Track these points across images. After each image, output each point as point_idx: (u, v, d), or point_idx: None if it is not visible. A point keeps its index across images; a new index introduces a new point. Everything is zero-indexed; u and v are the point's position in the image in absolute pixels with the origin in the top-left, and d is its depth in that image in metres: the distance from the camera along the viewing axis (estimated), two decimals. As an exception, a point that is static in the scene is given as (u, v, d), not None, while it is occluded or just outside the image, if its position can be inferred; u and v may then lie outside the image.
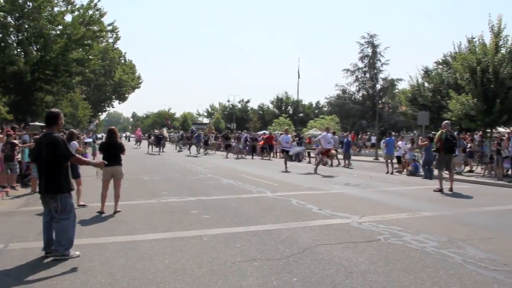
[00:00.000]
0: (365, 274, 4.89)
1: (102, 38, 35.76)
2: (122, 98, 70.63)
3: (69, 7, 30.02)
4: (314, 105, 70.17)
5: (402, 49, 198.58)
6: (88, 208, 8.91)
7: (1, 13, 27.33)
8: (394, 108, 51.59)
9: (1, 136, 11.96)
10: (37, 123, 26.65)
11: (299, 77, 72.71)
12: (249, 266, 5.16)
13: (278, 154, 30.64)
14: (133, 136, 73.87)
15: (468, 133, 22.51)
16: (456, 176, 14.31)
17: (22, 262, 5.37)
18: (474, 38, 20.33)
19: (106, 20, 33.10)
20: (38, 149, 5.74)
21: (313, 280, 4.70)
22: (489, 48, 18.37)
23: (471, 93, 18.50)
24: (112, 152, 8.77)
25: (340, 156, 23.51)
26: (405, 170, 18.94)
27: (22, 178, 13.14)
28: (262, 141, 30.93)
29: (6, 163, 11.77)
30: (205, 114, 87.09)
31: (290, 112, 65.72)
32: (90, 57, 32.70)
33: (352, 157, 24.93)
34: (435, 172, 13.55)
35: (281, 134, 33.69)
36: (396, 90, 53.77)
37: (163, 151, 34.08)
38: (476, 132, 21.65)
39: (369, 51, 54.41)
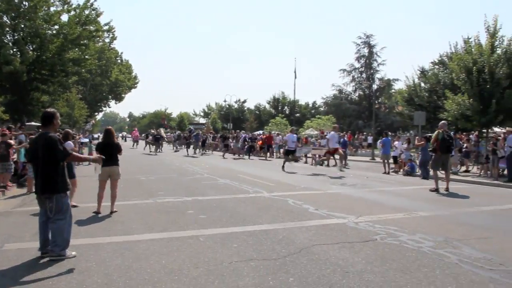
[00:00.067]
0: (362, 274, 4.89)
1: (98, 38, 35.70)
2: (118, 98, 70.56)
3: (65, 6, 29.98)
4: (310, 105, 70.28)
5: (399, 49, 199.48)
6: (84, 208, 8.88)
7: (-3, 12, 27.28)
8: (391, 108, 51.66)
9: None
10: (33, 123, 26.60)
11: (295, 77, 72.54)
12: (246, 266, 5.16)
13: (275, 154, 30.61)
14: (130, 136, 73.72)
15: (464, 133, 22.58)
16: (452, 176, 14.36)
17: (18, 262, 5.34)
18: (470, 38, 20.39)
19: (102, 20, 33.31)
20: (34, 149, 5.72)
21: (309, 280, 4.70)
22: (485, 48, 18.43)
23: (467, 93, 18.55)
24: (109, 152, 8.73)
25: (337, 156, 23.49)
26: (401, 170, 18.99)
27: (18, 178, 13.09)
28: (261, 141, 30.72)
29: (1, 163, 11.73)
30: (202, 114, 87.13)
31: (287, 112, 65.81)
32: (86, 57, 32.69)
33: (349, 157, 24.99)
34: (432, 172, 13.59)
35: (278, 134, 33.78)
36: (393, 90, 53.82)
37: (161, 151, 33.96)
38: (472, 132, 21.72)
39: (365, 51, 54.55)
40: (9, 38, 29.03)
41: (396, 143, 20.66)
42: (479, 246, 6.15)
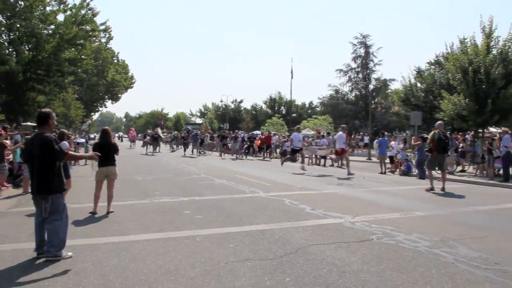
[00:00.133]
0: (358, 274, 4.90)
1: (94, 38, 35.54)
2: (115, 98, 70.33)
3: (61, 6, 29.81)
4: (307, 105, 70.35)
5: (395, 49, 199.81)
6: (80, 208, 8.85)
7: (-8, 12, 27.15)
8: (387, 108, 51.80)
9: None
10: (29, 123, 26.51)
11: (292, 77, 72.87)
12: (242, 266, 5.16)
13: (271, 153, 30.46)
14: (126, 136, 73.60)
15: (460, 133, 22.64)
16: (448, 176, 14.41)
17: (14, 263, 5.33)
18: (466, 38, 20.48)
19: (98, 19, 32.97)
20: (29, 149, 5.70)
21: (306, 280, 4.70)
22: (481, 48, 18.51)
23: (463, 93, 18.63)
24: (106, 152, 8.72)
25: (333, 156, 23.52)
26: (397, 170, 19.03)
27: (14, 179, 13.04)
28: (259, 142, 30.36)
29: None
30: (198, 114, 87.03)
31: (283, 112, 65.82)
32: (82, 56, 32.53)
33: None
34: (427, 171, 13.63)
35: (274, 134, 33.72)
36: (389, 90, 54.01)
37: (158, 151, 33.82)
38: (468, 132, 21.79)
39: (362, 51, 54.65)
40: (4, 37, 28.87)
41: (392, 143, 20.71)
42: (474, 245, 6.17)
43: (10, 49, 28.37)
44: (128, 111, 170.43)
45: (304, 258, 5.49)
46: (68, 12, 29.69)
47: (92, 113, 74.93)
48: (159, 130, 38.31)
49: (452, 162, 18.30)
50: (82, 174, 15.31)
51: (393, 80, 52.87)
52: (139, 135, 63.59)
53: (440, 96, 21.70)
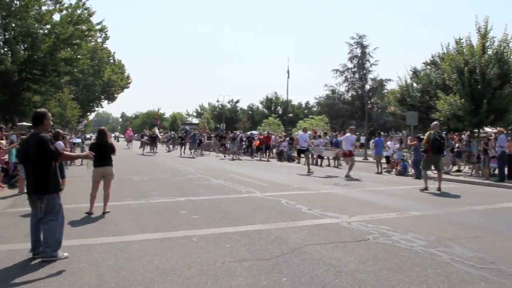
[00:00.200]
0: (355, 274, 4.91)
1: (90, 38, 35.44)
2: (111, 98, 70.25)
3: (57, 6, 29.75)
4: (303, 105, 70.39)
5: (391, 49, 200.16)
6: (76, 209, 8.83)
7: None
8: (383, 108, 51.89)
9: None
10: (24, 123, 26.39)
11: (288, 77, 72.84)
12: (239, 266, 5.16)
13: (270, 154, 30.30)
14: (122, 136, 73.36)
15: (456, 133, 22.72)
16: (444, 176, 14.45)
17: (9, 264, 5.30)
18: (461, 39, 20.51)
19: (94, 19, 32.86)
20: (25, 149, 5.68)
21: (302, 280, 4.71)
22: (476, 49, 18.56)
23: (459, 94, 18.68)
24: (102, 153, 8.71)
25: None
26: (394, 170, 19.08)
27: (10, 179, 13.00)
28: (258, 142, 29.88)
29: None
30: (195, 114, 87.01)
31: (280, 112, 65.84)
32: (78, 56, 32.46)
33: (341, 158, 25.00)
34: (422, 171, 13.66)
35: (271, 134, 33.66)
36: (385, 91, 54.08)
37: (156, 152, 33.62)
38: (464, 132, 21.87)
39: (358, 51, 54.77)
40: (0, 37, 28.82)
41: (388, 143, 20.78)
42: (470, 245, 6.19)
43: (5, 49, 28.29)
44: (124, 111, 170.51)
45: (300, 258, 5.49)
46: (64, 12, 29.63)
47: (88, 113, 74.89)
48: (157, 130, 38.04)
49: (448, 162, 18.37)
50: (78, 174, 15.28)
51: (389, 80, 52.93)
52: (136, 135, 63.38)
53: (436, 96, 21.73)
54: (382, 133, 24.96)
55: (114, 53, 67.62)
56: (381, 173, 18.59)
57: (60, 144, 9.30)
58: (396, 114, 33.97)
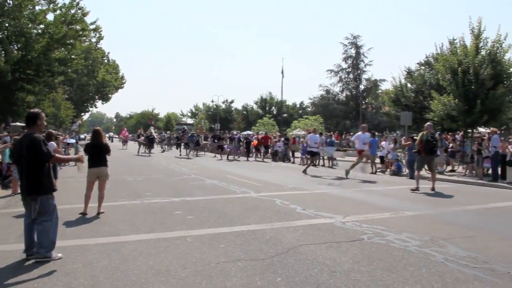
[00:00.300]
0: (349, 274, 4.92)
1: (84, 38, 35.27)
2: (105, 98, 70.02)
3: (51, 6, 29.58)
4: (298, 106, 70.51)
5: (385, 50, 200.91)
6: (71, 209, 8.79)
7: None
8: (377, 109, 52.12)
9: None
10: (18, 124, 26.24)
11: (283, 77, 72.88)
12: (233, 267, 5.15)
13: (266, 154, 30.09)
14: (117, 136, 73.12)
15: (450, 133, 22.82)
16: (438, 176, 14.52)
17: (3, 265, 5.27)
18: (455, 39, 20.63)
19: (88, 19, 32.70)
20: (18, 149, 5.65)
21: (297, 279, 4.71)
22: (470, 49, 18.66)
23: (453, 94, 18.76)
24: (97, 153, 8.68)
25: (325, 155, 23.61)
26: (388, 170, 19.14)
27: (3, 180, 12.92)
28: (256, 142, 29.42)
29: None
30: (189, 114, 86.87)
31: (274, 113, 65.92)
32: (72, 56, 32.33)
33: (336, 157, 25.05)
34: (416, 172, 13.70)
35: (266, 134, 33.63)
36: (379, 91, 54.33)
37: (152, 152, 33.40)
38: (458, 132, 21.97)
39: (352, 52, 55.05)
40: (-8, 37, 28.62)
41: (383, 143, 20.83)
42: (464, 244, 6.23)
43: (-2, 49, 28.12)
44: (118, 111, 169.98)
45: (295, 258, 5.50)
46: (58, 12, 29.46)
47: (82, 114, 74.59)
48: (153, 131, 37.56)
49: (442, 162, 18.46)
50: (72, 175, 15.20)
51: (384, 80, 53.27)
52: (131, 135, 63.16)
53: (430, 97, 21.83)
54: (376, 133, 25.00)
55: (108, 53, 67.54)
56: (375, 173, 18.64)
57: (52, 144, 9.26)
58: (391, 114, 34.05)
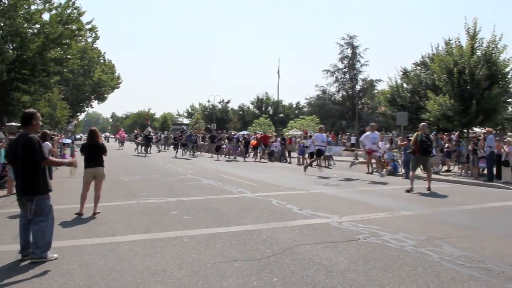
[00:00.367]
0: (345, 273, 4.93)
1: (80, 37, 35.19)
2: (101, 98, 69.81)
3: (47, 5, 29.44)
4: (294, 106, 70.58)
5: (382, 50, 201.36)
6: (66, 209, 8.76)
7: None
8: (374, 109, 52.18)
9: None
10: (13, 124, 26.14)
11: (279, 77, 72.99)
12: (230, 267, 5.15)
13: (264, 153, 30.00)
14: (113, 137, 72.93)
15: (446, 133, 22.90)
16: (433, 176, 14.56)
17: (-2, 265, 5.26)
18: (451, 40, 20.69)
19: (84, 19, 32.62)
20: (14, 150, 5.62)
21: (293, 279, 4.72)
22: (465, 50, 18.72)
23: (448, 94, 18.83)
24: (93, 153, 8.66)
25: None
26: (384, 170, 19.16)
27: (-2, 180, 12.85)
28: (255, 141, 29.37)
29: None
30: (185, 114, 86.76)
31: (270, 113, 65.95)
32: (68, 56, 32.16)
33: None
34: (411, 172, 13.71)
35: (264, 134, 33.62)
36: (376, 91, 54.43)
37: (150, 152, 33.27)
38: (453, 132, 22.05)
39: (348, 52, 55.03)
40: (-13, 36, 28.46)
41: (379, 143, 20.82)
42: (459, 244, 6.25)
43: (-7, 48, 27.94)
44: (114, 112, 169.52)
45: (291, 258, 5.50)
46: (54, 11, 29.32)
47: (78, 114, 74.37)
48: (151, 130, 37.33)
49: (438, 162, 18.52)
50: (68, 175, 15.14)
51: (380, 80, 53.33)
52: (127, 135, 62.99)
53: (426, 97, 21.91)
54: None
55: (104, 53, 67.38)
56: (371, 173, 18.67)
57: (47, 144, 9.23)
58: (387, 114, 34.19)
